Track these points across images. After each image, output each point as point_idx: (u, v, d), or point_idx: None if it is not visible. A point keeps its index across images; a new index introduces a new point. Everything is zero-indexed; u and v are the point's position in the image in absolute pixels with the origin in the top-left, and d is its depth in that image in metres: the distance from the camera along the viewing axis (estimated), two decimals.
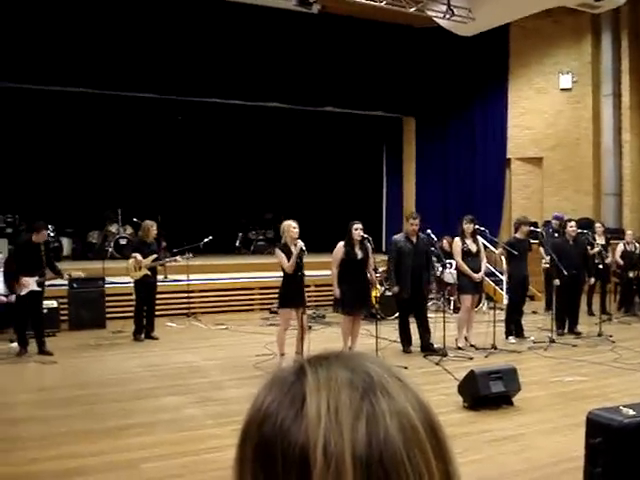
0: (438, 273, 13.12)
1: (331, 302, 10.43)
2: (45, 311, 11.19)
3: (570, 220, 12.45)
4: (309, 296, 9.36)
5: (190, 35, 15.64)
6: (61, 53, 14.37)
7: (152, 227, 11.73)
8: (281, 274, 9.34)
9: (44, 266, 10.07)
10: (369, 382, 0.73)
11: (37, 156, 17.29)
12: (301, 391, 0.72)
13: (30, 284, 9.90)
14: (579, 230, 12.21)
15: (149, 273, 11.42)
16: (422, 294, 10.48)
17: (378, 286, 10.52)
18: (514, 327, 11.31)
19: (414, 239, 10.27)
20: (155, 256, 11.51)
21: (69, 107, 16.90)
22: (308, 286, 10.11)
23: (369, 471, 0.67)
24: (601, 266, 12.87)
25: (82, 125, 17.77)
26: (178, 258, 12.44)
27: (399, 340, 10.49)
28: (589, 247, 12.74)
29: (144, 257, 11.37)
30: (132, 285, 11.65)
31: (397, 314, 11.21)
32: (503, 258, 11.22)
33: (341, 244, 9.58)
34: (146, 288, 11.46)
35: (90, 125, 17.88)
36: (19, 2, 13.94)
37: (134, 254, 11.43)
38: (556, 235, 13.38)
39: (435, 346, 10.20)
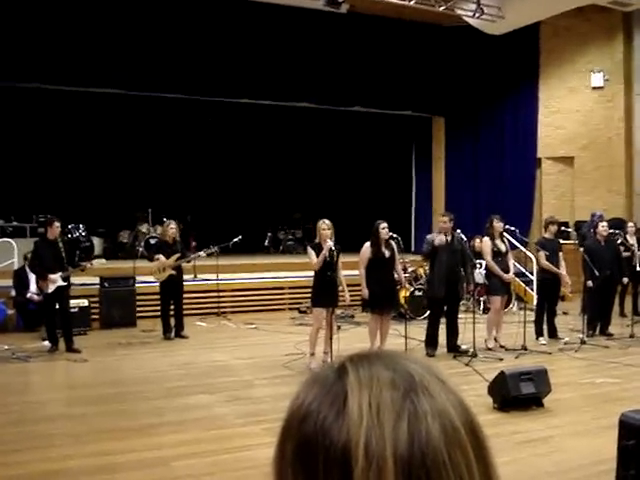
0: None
1: (360, 302, 10.39)
2: (76, 310, 11.39)
3: (602, 220, 12.32)
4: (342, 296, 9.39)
5: (220, 36, 15.71)
6: (93, 54, 14.49)
7: (167, 226, 11.78)
8: (310, 273, 9.37)
9: (65, 262, 10.18)
10: (411, 382, 0.73)
11: (69, 157, 17.51)
12: (343, 390, 0.72)
13: (56, 280, 10.04)
14: (610, 230, 12.07)
15: (174, 273, 11.45)
16: (456, 294, 10.34)
17: (407, 285, 10.43)
18: (547, 328, 11.23)
19: (448, 237, 10.20)
20: (178, 255, 11.54)
21: (100, 108, 17.10)
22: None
23: (410, 471, 0.67)
24: (638, 268, 12.72)
25: (114, 126, 17.96)
26: (201, 253, 12.42)
27: (424, 341, 10.34)
28: (622, 247, 12.60)
29: (167, 257, 11.43)
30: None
31: (427, 314, 11.15)
32: (542, 254, 11.06)
33: (368, 244, 9.57)
34: (172, 287, 11.51)
35: (121, 126, 18.06)
36: (52, 3, 14.09)
37: (157, 256, 11.49)
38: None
39: (462, 347, 10.15)
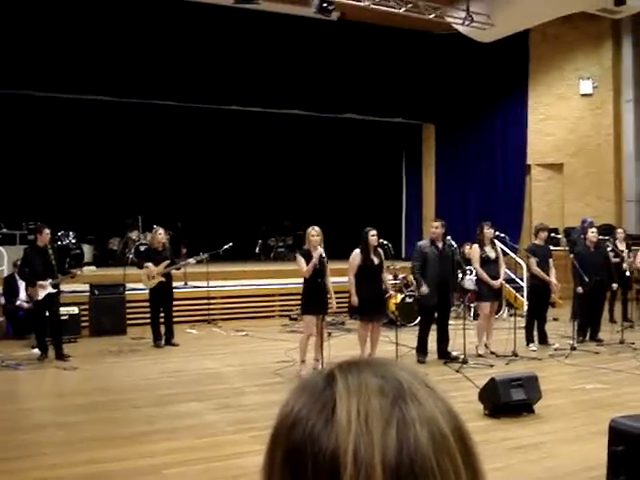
0: (458, 280, 13.06)
1: (347, 309, 10.39)
2: (66, 317, 11.33)
3: (592, 226, 12.36)
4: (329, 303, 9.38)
5: (209, 42, 15.73)
6: (83, 62, 14.51)
7: (156, 233, 11.73)
8: (301, 280, 9.36)
9: (55, 270, 10.15)
10: (399, 389, 0.73)
11: (59, 163, 17.47)
12: (331, 397, 0.72)
13: (46, 287, 10.00)
14: (600, 236, 12.11)
15: (164, 280, 11.41)
16: (447, 301, 10.34)
17: (392, 292, 10.47)
18: (538, 334, 11.25)
19: (439, 244, 10.19)
20: (167, 262, 11.51)
21: (90, 115, 17.07)
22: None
23: (399, 478, 0.67)
24: (628, 274, 12.76)
25: (102, 132, 17.93)
26: (191, 260, 12.46)
27: (415, 348, 10.32)
28: (611, 254, 12.65)
29: (156, 264, 11.37)
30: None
31: (418, 320, 11.15)
32: (533, 261, 11.10)
33: (357, 251, 9.54)
34: (162, 295, 11.47)
35: (110, 133, 18.03)
36: (44, 11, 14.07)
37: (146, 264, 11.43)
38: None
39: (453, 354, 10.16)
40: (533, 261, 11.07)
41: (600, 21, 17.53)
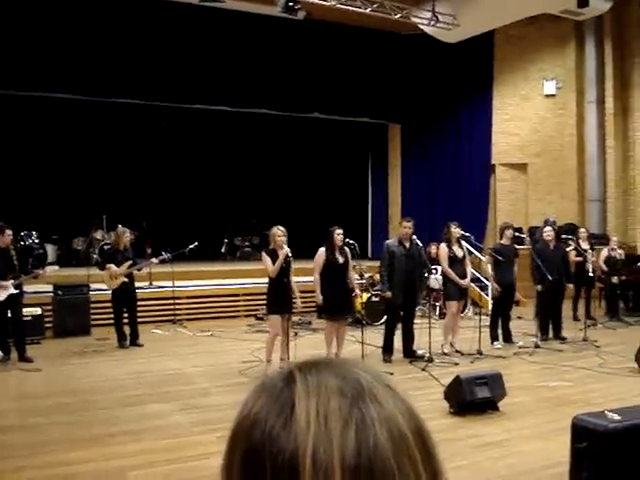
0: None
1: (315, 308, 10.39)
2: (29, 318, 11.17)
3: (552, 225, 12.50)
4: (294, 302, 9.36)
5: (175, 41, 15.62)
6: (47, 59, 14.33)
7: (124, 234, 11.58)
8: (266, 280, 9.33)
9: (17, 270, 10.00)
10: (359, 389, 0.73)
11: (21, 162, 17.23)
12: (290, 398, 0.72)
13: (8, 287, 9.85)
14: (564, 235, 12.24)
15: (126, 280, 11.31)
16: (414, 300, 10.36)
17: (358, 291, 10.48)
18: (502, 332, 11.34)
19: (407, 243, 10.19)
20: (130, 262, 11.39)
21: (54, 113, 16.85)
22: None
23: (358, 478, 0.67)
24: (591, 274, 12.90)
25: (67, 131, 17.72)
26: (153, 260, 12.37)
27: (381, 347, 10.34)
28: (574, 252, 12.81)
29: (118, 265, 11.24)
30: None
31: (384, 320, 11.18)
32: (489, 265, 11.28)
33: (322, 249, 9.54)
34: (124, 295, 11.36)
35: (75, 131, 17.83)
36: (12, 11, 13.89)
37: (108, 265, 11.30)
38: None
39: (418, 352, 10.20)
40: (489, 262, 11.21)
41: (564, 23, 17.73)
